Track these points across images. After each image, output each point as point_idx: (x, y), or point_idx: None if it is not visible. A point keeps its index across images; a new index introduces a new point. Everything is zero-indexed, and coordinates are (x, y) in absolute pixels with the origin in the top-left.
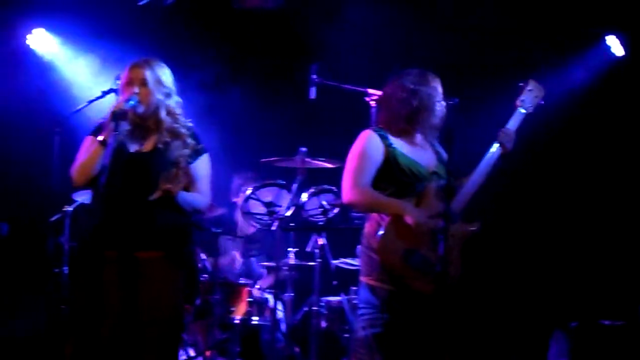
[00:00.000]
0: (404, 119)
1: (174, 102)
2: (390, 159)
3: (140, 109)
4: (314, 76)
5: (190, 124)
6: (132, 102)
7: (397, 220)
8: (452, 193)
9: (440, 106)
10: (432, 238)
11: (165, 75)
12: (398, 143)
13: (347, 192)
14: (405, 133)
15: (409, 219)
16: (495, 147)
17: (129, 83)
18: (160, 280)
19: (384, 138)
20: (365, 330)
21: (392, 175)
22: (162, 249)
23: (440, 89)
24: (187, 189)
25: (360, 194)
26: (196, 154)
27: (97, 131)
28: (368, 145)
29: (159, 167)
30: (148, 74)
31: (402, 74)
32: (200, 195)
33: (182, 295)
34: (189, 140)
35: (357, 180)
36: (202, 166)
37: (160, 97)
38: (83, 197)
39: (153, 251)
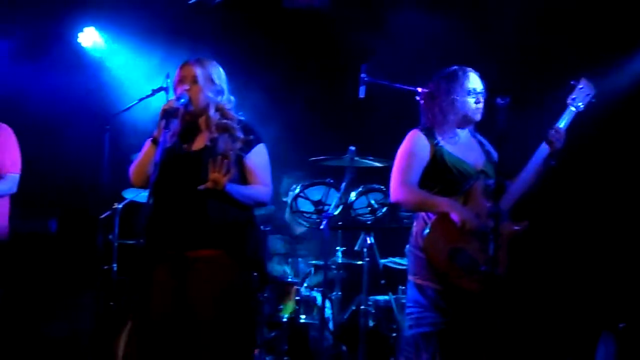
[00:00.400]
0: (443, 117)
1: (226, 99)
2: (437, 157)
3: (190, 107)
4: (364, 75)
5: (242, 118)
6: (182, 100)
7: (443, 218)
8: (500, 192)
9: (468, 101)
10: (478, 237)
11: (217, 73)
12: (445, 142)
13: (395, 191)
14: (451, 131)
15: (455, 217)
16: (544, 146)
17: (180, 81)
18: (214, 278)
19: (430, 137)
20: (412, 329)
21: (438, 174)
22: (218, 246)
23: (475, 85)
24: (245, 182)
25: (407, 192)
26: (248, 145)
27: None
28: (415, 144)
29: (208, 164)
30: (199, 72)
31: (440, 72)
32: (259, 186)
33: (245, 293)
34: (239, 134)
35: (404, 179)
36: (258, 156)
37: (210, 94)
38: (133, 194)
39: (208, 249)
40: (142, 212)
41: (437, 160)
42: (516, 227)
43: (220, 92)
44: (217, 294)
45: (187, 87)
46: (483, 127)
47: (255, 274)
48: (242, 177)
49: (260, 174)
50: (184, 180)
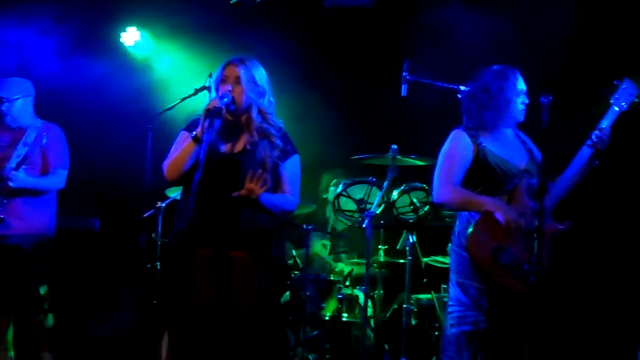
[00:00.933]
0: (490, 116)
1: (267, 101)
2: (480, 157)
3: (233, 107)
4: (406, 73)
5: (281, 125)
6: (225, 100)
7: (487, 217)
8: (544, 191)
9: (517, 101)
10: (522, 236)
11: (259, 74)
12: (488, 141)
13: (438, 191)
14: (496, 131)
15: (500, 216)
16: (588, 145)
17: (223, 80)
18: (244, 279)
19: (474, 136)
20: (454, 327)
21: (482, 174)
22: (247, 248)
23: (519, 84)
24: (275, 189)
25: (451, 192)
26: (285, 155)
27: (191, 127)
28: (458, 144)
29: (246, 168)
30: (242, 72)
31: (483, 71)
32: (288, 196)
33: (273, 293)
34: (278, 142)
35: (447, 179)
36: (291, 168)
37: (252, 96)
38: (176, 193)
39: (239, 250)
40: (178, 209)
41: (481, 160)
42: (559, 227)
43: (262, 93)
44: (248, 293)
45: (230, 87)
46: (525, 126)
47: (279, 275)
48: (275, 183)
49: (291, 185)
50: (221, 181)
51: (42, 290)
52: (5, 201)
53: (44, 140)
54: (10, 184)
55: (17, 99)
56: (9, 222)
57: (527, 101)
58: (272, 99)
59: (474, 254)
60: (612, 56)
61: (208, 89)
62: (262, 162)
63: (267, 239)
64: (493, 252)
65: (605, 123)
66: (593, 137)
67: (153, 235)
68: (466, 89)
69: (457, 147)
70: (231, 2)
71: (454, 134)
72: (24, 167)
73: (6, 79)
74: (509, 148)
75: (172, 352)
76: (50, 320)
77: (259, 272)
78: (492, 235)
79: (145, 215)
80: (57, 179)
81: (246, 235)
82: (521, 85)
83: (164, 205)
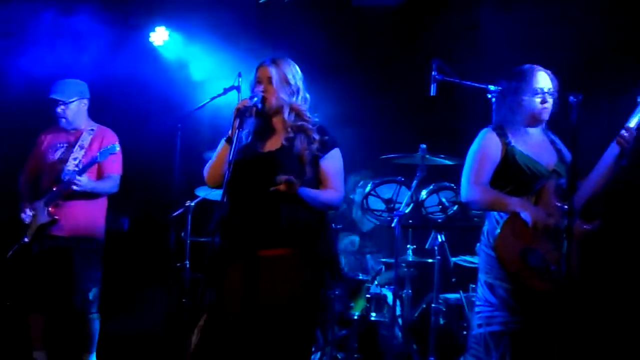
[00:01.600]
0: (511, 116)
1: (301, 99)
2: (509, 157)
3: (265, 108)
4: (435, 73)
5: (317, 119)
6: (256, 99)
7: (515, 218)
8: (573, 191)
9: (534, 101)
10: (550, 237)
11: (292, 72)
12: (517, 141)
13: (466, 191)
14: (521, 130)
15: (527, 217)
16: (615, 145)
17: (257, 82)
18: (286, 277)
19: (502, 136)
20: (482, 327)
21: (510, 174)
22: (290, 245)
23: (543, 84)
24: (318, 185)
25: (479, 192)
26: (324, 147)
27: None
28: (486, 143)
29: (284, 164)
30: (274, 73)
31: (510, 70)
32: (331, 191)
33: (316, 291)
34: (315, 135)
35: (476, 178)
36: (333, 160)
37: (284, 96)
38: (205, 192)
39: (280, 248)
40: (215, 211)
41: (509, 160)
42: (587, 227)
43: (295, 92)
44: (289, 292)
45: (262, 88)
46: (556, 125)
47: (328, 272)
48: (316, 177)
49: (333, 178)
50: (259, 180)
51: (92, 294)
52: (60, 203)
53: (117, 148)
54: (75, 187)
55: (73, 101)
56: (62, 224)
57: (548, 100)
58: (307, 95)
59: (502, 256)
60: None
61: (237, 88)
62: (299, 156)
63: (312, 235)
64: (521, 254)
65: (632, 122)
66: (620, 135)
67: (182, 234)
68: (496, 89)
69: (485, 146)
70: (260, 1)
71: (482, 133)
72: (88, 169)
73: (62, 80)
74: (538, 148)
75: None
76: (96, 323)
77: (303, 270)
78: (519, 236)
79: (174, 214)
80: (112, 184)
81: (288, 231)
82: (541, 83)
83: (193, 204)
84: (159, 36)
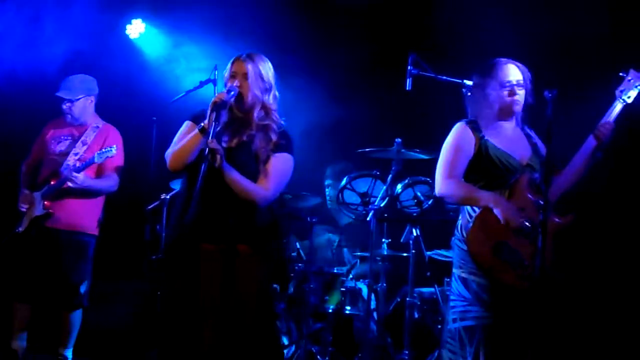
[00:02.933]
0: (480, 110)
1: (272, 97)
2: (482, 151)
3: (239, 103)
4: (411, 67)
5: (283, 123)
6: (232, 93)
7: (487, 212)
8: (547, 186)
9: (501, 94)
10: (522, 231)
11: (266, 69)
12: (491, 135)
13: (440, 185)
14: (493, 124)
15: (498, 213)
16: (592, 139)
17: (232, 77)
18: (243, 272)
19: (476, 130)
20: (456, 322)
21: (483, 168)
22: (247, 242)
23: (510, 77)
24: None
25: (452, 186)
26: (278, 149)
27: (196, 118)
28: (459, 137)
29: (242, 160)
30: (250, 68)
31: (480, 65)
32: (260, 186)
33: (268, 286)
34: (273, 136)
35: (449, 172)
36: (279, 161)
37: (257, 92)
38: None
39: (241, 244)
40: (179, 202)
41: (482, 154)
42: (559, 221)
43: (268, 89)
44: (246, 284)
45: (237, 83)
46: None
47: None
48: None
49: (270, 176)
50: (220, 175)
51: (83, 287)
52: (57, 196)
53: (114, 151)
54: (70, 184)
55: (79, 99)
56: (57, 217)
57: (518, 92)
58: (277, 93)
59: (474, 250)
60: (619, 48)
61: (213, 81)
62: (256, 154)
63: (263, 234)
64: (493, 248)
65: (610, 116)
66: (597, 129)
67: (157, 227)
68: (470, 83)
69: (458, 140)
70: None
71: (456, 127)
72: (85, 168)
73: (70, 77)
74: (511, 142)
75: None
76: (79, 318)
77: (260, 265)
78: (492, 231)
79: (149, 207)
80: (112, 182)
81: (242, 229)
82: (508, 76)
83: (168, 197)
84: (135, 28)
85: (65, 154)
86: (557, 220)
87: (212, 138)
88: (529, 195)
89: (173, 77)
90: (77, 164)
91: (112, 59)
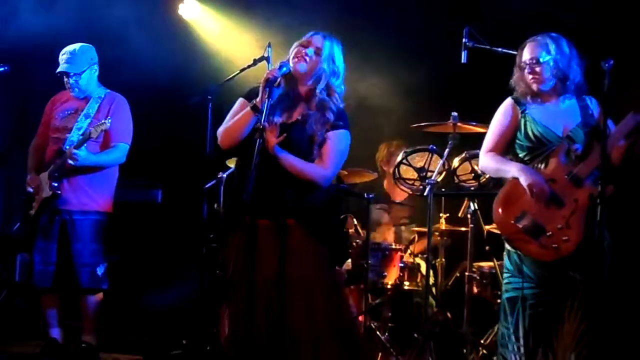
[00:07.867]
0: (517, 89)
1: (339, 82)
2: (521, 125)
3: (304, 69)
4: (466, 40)
5: (342, 107)
6: (285, 69)
7: (514, 183)
8: (579, 156)
9: (527, 73)
10: (548, 202)
11: (339, 55)
12: (533, 109)
13: (480, 159)
14: (532, 99)
15: (522, 182)
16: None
17: (304, 46)
18: (299, 249)
19: (520, 104)
20: (503, 294)
21: (524, 141)
22: (297, 218)
23: (527, 56)
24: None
25: (486, 159)
26: (334, 128)
27: (250, 96)
28: (502, 112)
29: (296, 139)
30: (326, 46)
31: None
32: (318, 166)
33: (325, 262)
34: (330, 116)
35: (487, 146)
36: (335, 140)
37: (327, 70)
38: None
39: (290, 219)
40: (236, 179)
41: (521, 128)
42: (595, 193)
43: (336, 73)
44: (300, 259)
45: (308, 52)
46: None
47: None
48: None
49: (328, 155)
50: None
51: (100, 269)
52: (64, 175)
53: (108, 123)
54: (71, 162)
55: (84, 71)
56: (67, 197)
57: (535, 69)
58: (343, 86)
59: (498, 220)
60: None
61: (267, 59)
62: (311, 134)
63: (321, 211)
64: (516, 218)
65: None
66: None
67: (215, 205)
68: None
69: (500, 115)
70: None
71: (504, 103)
72: (84, 144)
73: (73, 51)
74: (553, 115)
75: (232, 321)
76: (99, 302)
77: (317, 242)
78: (516, 201)
79: (206, 186)
80: (119, 155)
81: (290, 204)
82: (524, 56)
83: (225, 175)
84: (188, 8)
85: (69, 129)
86: (592, 190)
87: (265, 116)
88: (564, 167)
89: (228, 55)
90: (80, 139)
91: (167, 39)
